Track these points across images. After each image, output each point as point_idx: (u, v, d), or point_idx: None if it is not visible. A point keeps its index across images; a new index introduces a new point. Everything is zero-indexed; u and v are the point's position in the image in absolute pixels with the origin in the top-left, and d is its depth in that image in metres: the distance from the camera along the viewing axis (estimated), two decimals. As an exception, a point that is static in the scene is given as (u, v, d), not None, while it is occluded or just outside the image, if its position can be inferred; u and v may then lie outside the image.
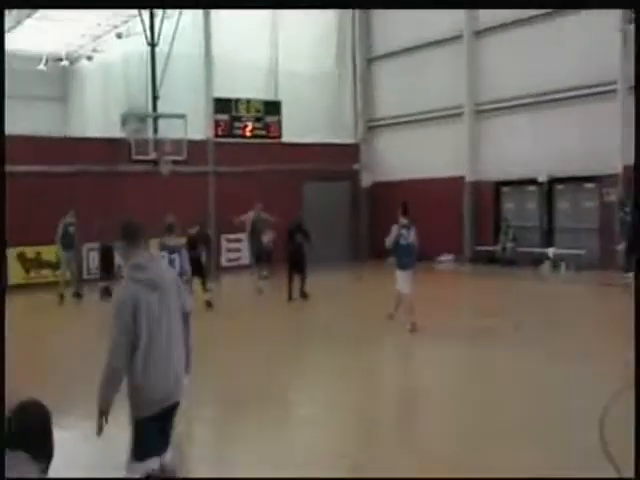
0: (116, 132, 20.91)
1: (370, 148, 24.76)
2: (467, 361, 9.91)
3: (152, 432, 4.36)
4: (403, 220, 11.53)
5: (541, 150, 19.38)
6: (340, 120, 24.90)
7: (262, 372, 9.22)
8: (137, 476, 4.35)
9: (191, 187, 20.52)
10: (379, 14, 23.98)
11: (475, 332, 11.51)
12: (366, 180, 24.40)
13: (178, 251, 9.13)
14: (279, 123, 22.43)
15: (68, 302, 15.62)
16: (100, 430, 4.28)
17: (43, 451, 3.01)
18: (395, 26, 23.21)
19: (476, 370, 9.43)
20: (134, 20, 24.23)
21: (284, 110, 22.40)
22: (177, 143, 20.27)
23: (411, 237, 11.48)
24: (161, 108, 21.45)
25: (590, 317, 12.87)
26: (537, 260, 19.62)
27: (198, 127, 21.02)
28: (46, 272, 18.15)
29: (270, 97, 22.91)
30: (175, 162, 20.15)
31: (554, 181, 19.53)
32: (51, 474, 3.04)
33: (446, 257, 21.76)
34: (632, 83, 16.34)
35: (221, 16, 21.66)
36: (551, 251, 19.28)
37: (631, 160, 14.04)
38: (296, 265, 15.12)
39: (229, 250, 21.52)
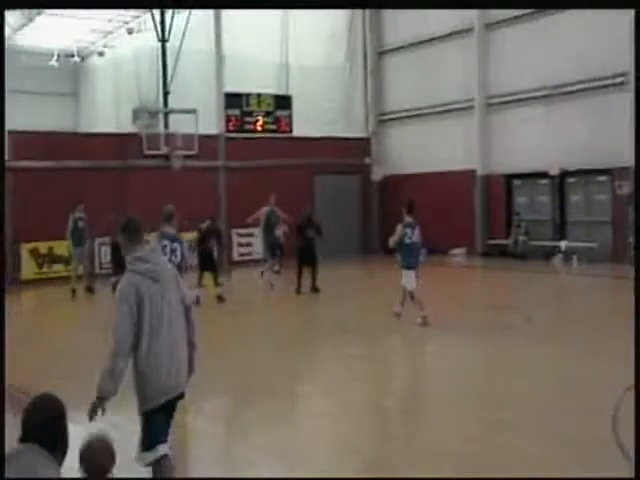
0: (127, 127, 21.00)
1: (381, 142, 24.71)
2: (479, 354, 9.89)
3: (159, 423, 4.50)
4: (408, 218, 11.48)
5: (553, 143, 19.27)
6: (351, 114, 24.86)
7: (273, 367, 9.24)
8: (147, 464, 4.51)
9: (202, 182, 20.57)
10: (390, 7, 23.88)
11: (487, 325, 11.48)
12: (377, 174, 24.35)
13: (179, 240, 9.25)
14: (290, 117, 22.43)
15: (80, 297, 15.71)
16: (94, 413, 4.27)
17: (58, 445, 3.05)
18: (406, 19, 23.11)
19: (488, 363, 9.42)
20: (145, 16, 24.28)
21: (295, 104, 22.39)
22: (188, 138, 20.28)
23: (415, 236, 11.46)
24: (172, 103, 21.48)
25: (602, 310, 12.81)
26: (549, 253, 19.55)
27: (209, 122, 21.04)
28: (59, 267, 18.25)
29: (281, 92, 22.90)
30: (186, 157, 20.19)
31: (566, 174, 19.43)
32: (65, 469, 3.07)
33: (458, 251, 21.72)
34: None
35: (232, 11, 21.64)
36: (563, 244, 19.20)
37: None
38: (307, 259, 15.13)
39: (240, 245, 21.56)
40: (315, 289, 15.09)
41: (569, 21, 18.73)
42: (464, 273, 19.83)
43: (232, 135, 21.53)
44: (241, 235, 21.36)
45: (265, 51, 22.85)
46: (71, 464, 3.22)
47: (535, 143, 19.75)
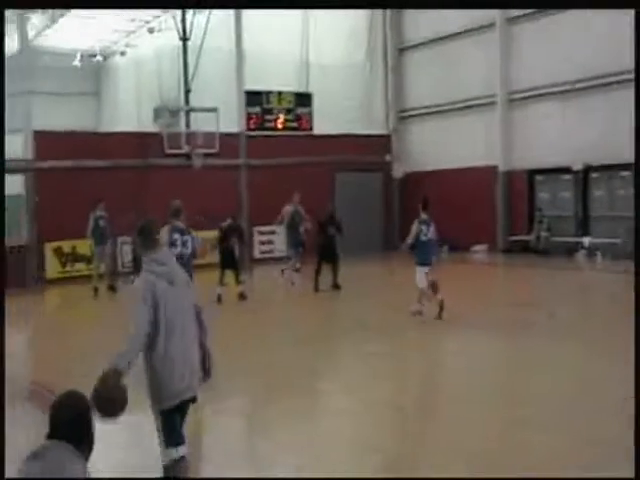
0: (149, 126, 21.13)
1: (401, 139, 24.64)
2: (500, 351, 9.85)
3: (177, 421, 4.59)
4: (423, 215, 11.52)
5: (576, 138, 19.09)
6: (371, 111, 24.82)
7: (293, 363, 9.27)
8: (165, 462, 4.59)
9: (223, 180, 20.65)
10: (410, 3, 23.79)
11: (509, 322, 11.42)
12: (398, 171, 24.30)
13: (190, 233, 9.61)
14: (310, 115, 22.44)
15: (103, 295, 15.85)
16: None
17: (84, 441, 3.11)
18: (427, 16, 23.00)
19: (509, 360, 9.38)
20: (166, 15, 24.41)
21: (315, 102, 22.40)
22: (209, 136, 20.36)
23: (431, 232, 11.47)
24: (193, 102, 21.59)
25: (626, 307, 12.66)
26: (572, 250, 19.38)
27: (230, 120, 21.10)
28: (81, 266, 18.42)
29: (301, 89, 22.91)
30: (207, 155, 20.29)
31: (589, 169, 19.24)
32: (91, 465, 3.12)
33: (479, 247, 21.62)
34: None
35: (252, 10, 21.67)
36: (587, 240, 19.03)
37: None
38: (328, 257, 15.15)
39: (261, 242, 21.61)
40: (336, 286, 15.11)
41: (593, 15, 18.51)
42: (485, 270, 19.73)
43: (253, 133, 21.58)
44: (262, 233, 21.42)
45: (285, 49, 22.87)
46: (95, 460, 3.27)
47: (558, 138, 19.58)
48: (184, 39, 21.68)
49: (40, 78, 24.22)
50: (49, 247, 18.39)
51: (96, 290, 15.83)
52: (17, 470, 2.97)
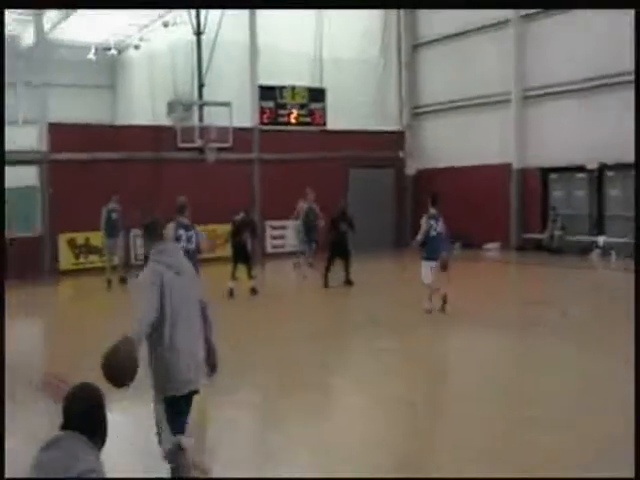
0: (163, 120, 21.18)
1: (415, 135, 24.57)
2: (512, 350, 9.82)
3: (178, 411, 4.58)
4: (432, 210, 11.56)
5: (590, 136, 18.96)
6: (385, 107, 24.75)
7: (304, 358, 9.28)
8: (169, 446, 4.58)
9: (236, 174, 20.68)
10: None
11: (521, 321, 11.39)
12: (411, 168, 24.25)
13: (194, 228, 9.83)
14: (324, 110, 22.43)
15: (116, 287, 15.92)
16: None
17: (97, 432, 3.13)
18: (441, 12, 22.89)
19: (520, 359, 9.34)
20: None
21: (328, 97, 22.37)
22: (223, 130, 20.40)
23: (439, 227, 11.48)
24: (207, 96, 21.62)
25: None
26: (586, 249, 19.27)
27: (243, 115, 21.13)
28: (95, 258, 18.53)
29: (315, 84, 22.90)
30: (220, 149, 20.32)
31: (604, 168, 19.11)
32: (104, 457, 3.14)
33: (492, 245, 21.54)
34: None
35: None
36: (601, 239, 18.91)
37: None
38: (339, 253, 15.14)
39: (273, 237, 21.64)
40: (348, 282, 15.10)
41: (609, 14, 18.35)
42: (498, 267, 19.65)
43: (266, 128, 21.60)
44: (274, 228, 21.45)
45: (299, 44, 22.84)
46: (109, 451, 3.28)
47: (572, 136, 19.45)
48: (198, 33, 21.70)
49: (56, 71, 24.31)
50: (63, 238, 18.50)
51: (109, 282, 15.92)
52: (32, 458, 3.00)
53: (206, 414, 7.11)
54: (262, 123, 21.58)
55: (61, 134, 18.65)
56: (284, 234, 21.25)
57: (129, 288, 15.30)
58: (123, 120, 30.18)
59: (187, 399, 4.63)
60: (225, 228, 15.80)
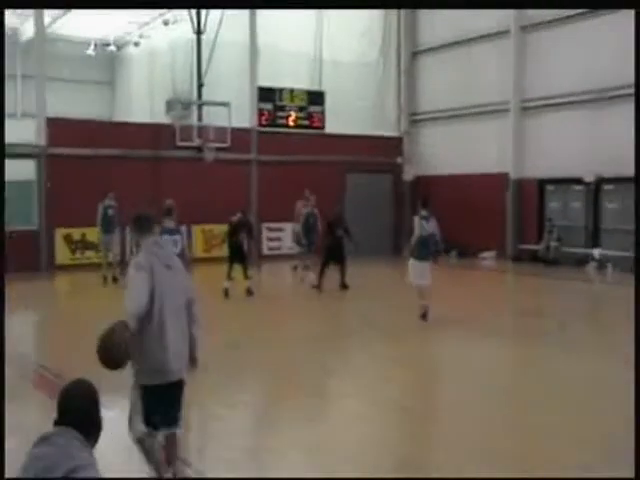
0: (161, 118, 21.12)
1: (413, 142, 24.57)
2: (511, 356, 9.81)
3: (159, 399, 4.64)
4: (423, 212, 11.67)
5: (588, 149, 18.98)
6: (383, 112, 24.74)
7: (300, 361, 9.21)
8: (134, 434, 4.72)
9: (234, 174, 20.62)
10: (427, 6, 23.71)
11: (517, 331, 11.35)
12: (408, 174, 24.22)
13: (179, 231, 9.70)
14: (322, 114, 22.42)
15: (111, 283, 15.83)
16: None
17: (91, 429, 3.08)
18: (441, 20, 22.92)
19: (520, 364, 9.34)
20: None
21: (328, 101, 22.35)
22: (221, 130, 20.37)
23: (431, 227, 11.52)
24: (206, 95, 21.57)
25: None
26: (581, 261, 19.27)
27: (242, 115, 21.09)
28: (91, 253, 18.45)
29: (314, 87, 22.88)
30: (218, 149, 20.27)
31: (601, 181, 19.13)
32: (98, 452, 3.07)
33: (488, 254, 21.52)
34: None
35: (267, 5, 21.65)
36: (597, 252, 18.90)
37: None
38: (335, 258, 15.06)
39: (270, 239, 21.55)
40: (344, 286, 15.03)
41: (607, 24, 18.40)
42: (494, 277, 19.64)
43: (264, 129, 21.56)
44: (271, 229, 21.37)
45: (299, 46, 22.84)
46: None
47: (570, 148, 19.47)
48: (198, 32, 21.65)
49: (55, 65, 24.22)
50: (59, 233, 18.42)
51: (105, 278, 15.89)
52: (25, 453, 2.94)
53: (202, 414, 7.05)
54: (260, 124, 21.55)
55: (59, 129, 18.56)
56: (280, 236, 21.19)
57: (122, 284, 15.18)
58: (121, 116, 30.11)
59: (171, 388, 4.67)
60: (222, 228, 15.74)
